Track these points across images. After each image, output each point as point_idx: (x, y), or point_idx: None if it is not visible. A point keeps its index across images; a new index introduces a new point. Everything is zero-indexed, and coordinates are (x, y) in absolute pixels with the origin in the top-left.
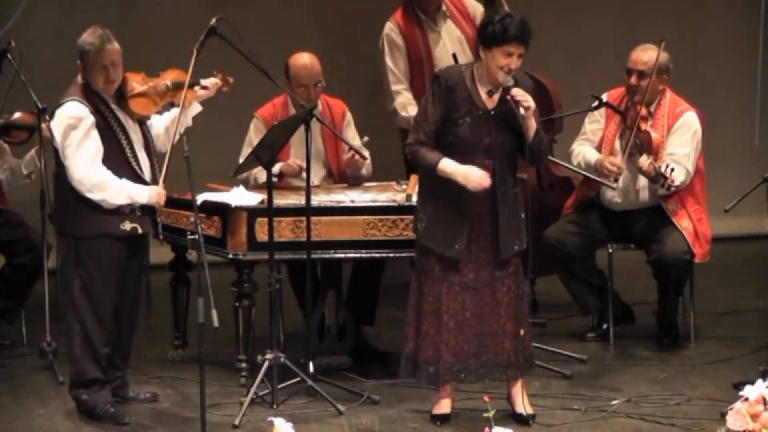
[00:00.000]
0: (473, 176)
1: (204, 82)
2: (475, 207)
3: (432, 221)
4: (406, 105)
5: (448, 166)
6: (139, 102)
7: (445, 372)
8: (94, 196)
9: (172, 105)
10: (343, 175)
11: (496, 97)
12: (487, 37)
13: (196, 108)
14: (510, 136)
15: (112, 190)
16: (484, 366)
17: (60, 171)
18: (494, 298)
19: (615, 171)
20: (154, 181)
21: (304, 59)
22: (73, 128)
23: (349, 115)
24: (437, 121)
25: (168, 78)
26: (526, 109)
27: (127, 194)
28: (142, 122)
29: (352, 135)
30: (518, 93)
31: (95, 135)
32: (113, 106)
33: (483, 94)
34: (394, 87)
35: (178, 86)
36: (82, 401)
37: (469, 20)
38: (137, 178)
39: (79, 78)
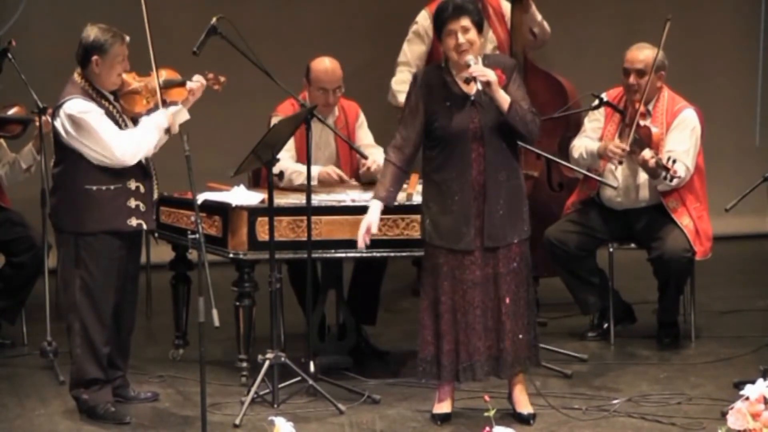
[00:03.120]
0: (360, 228)
1: (189, 84)
2: (475, 200)
3: (437, 219)
4: (403, 81)
5: (370, 209)
6: (132, 99)
7: (464, 371)
8: (137, 157)
9: (164, 103)
10: (355, 177)
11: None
12: (435, 32)
13: (184, 116)
14: (498, 120)
15: (143, 141)
16: (490, 362)
17: (64, 168)
18: (497, 294)
19: (619, 153)
20: (150, 174)
21: (326, 63)
22: (86, 120)
23: (362, 116)
24: (416, 125)
25: (159, 76)
26: (485, 84)
27: (152, 134)
28: (134, 120)
29: (364, 135)
30: (475, 69)
31: (107, 118)
32: (115, 104)
33: (461, 83)
34: (399, 67)
35: (169, 84)
36: (82, 401)
37: (503, 22)
38: (142, 170)
39: (77, 77)
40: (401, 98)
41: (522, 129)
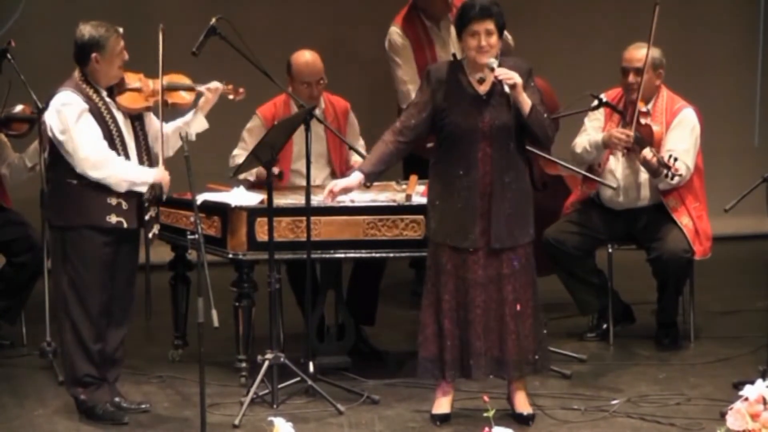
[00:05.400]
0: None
1: (202, 87)
2: (480, 200)
3: (443, 217)
4: None
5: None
6: (128, 95)
7: (463, 369)
8: (98, 173)
9: (165, 104)
10: (345, 174)
11: (489, 83)
12: (456, 28)
13: (202, 124)
14: (508, 121)
15: (117, 166)
16: (490, 363)
17: (52, 161)
18: (499, 295)
19: (624, 139)
20: None
21: (306, 56)
22: (65, 112)
23: (352, 115)
24: (420, 116)
25: (165, 78)
26: (511, 87)
27: (133, 172)
28: (135, 118)
29: (354, 133)
30: (501, 72)
31: (89, 117)
32: (107, 99)
33: (474, 82)
34: (409, 85)
35: (173, 87)
36: (80, 401)
37: None
38: None
39: (77, 74)
40: None
41: (540, 132)
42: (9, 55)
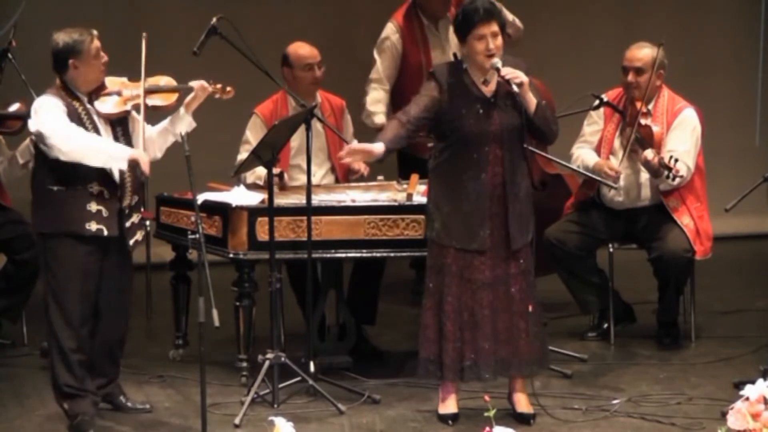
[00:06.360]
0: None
1: (192, 83)
2: (490, 202)
3: (449, 219)
4: (377, 101)
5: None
6: (103, 99)
7: (468, 370)
8: (71, 145)
9: (145, 108)
10: (346, 171)
11: (493, 84)
12: (458, 31)
13: (189, 123)
14: (516, 121)
15: (89, 136)
16: (498, 363)
17: (35, 168)
18: (508, 295)
19: (613, 176)
20: (122, 181)
21: (302, 44)
22: (40, 110)
23: (347, 113)
24: (425, 113)
25: (148, 81)
26: (519, 85)
27: (106, 143)
28: (117, 123)
29: (348, 132)
30: (507, 71)
31: (62, 106)
32: (88, 106)
33: (479, 85)
34: (373, 84)
35: (152, 89)
36: (65, 411)
37: None
38: (108, 175)
39: (57, 82)
40: (378, 120)
41: (546, 129)
42: (10, 55)
